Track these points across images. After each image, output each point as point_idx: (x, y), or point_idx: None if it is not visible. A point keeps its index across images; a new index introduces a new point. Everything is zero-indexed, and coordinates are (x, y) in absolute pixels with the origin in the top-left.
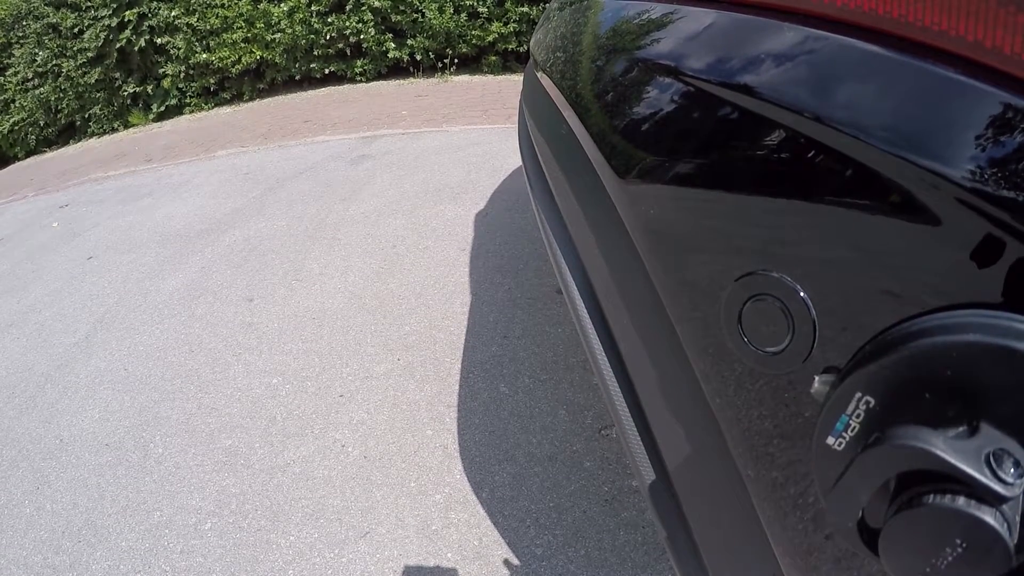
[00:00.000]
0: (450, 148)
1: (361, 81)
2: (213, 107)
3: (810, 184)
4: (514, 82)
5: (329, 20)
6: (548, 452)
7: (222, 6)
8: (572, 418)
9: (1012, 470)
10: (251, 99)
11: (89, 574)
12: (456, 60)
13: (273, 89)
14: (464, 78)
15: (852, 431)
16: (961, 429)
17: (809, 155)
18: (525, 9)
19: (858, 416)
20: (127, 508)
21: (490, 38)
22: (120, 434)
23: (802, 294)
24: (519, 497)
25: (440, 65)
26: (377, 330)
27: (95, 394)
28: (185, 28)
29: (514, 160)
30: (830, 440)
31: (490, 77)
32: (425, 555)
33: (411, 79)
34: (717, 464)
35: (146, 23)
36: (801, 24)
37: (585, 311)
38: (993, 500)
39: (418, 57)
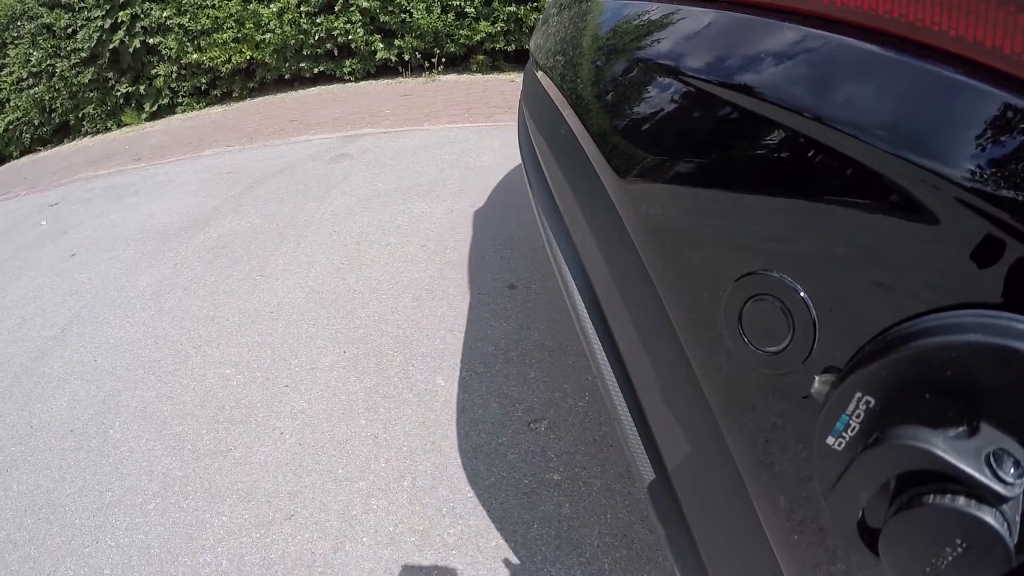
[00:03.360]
0: (427, 146)
1: (350, 81)
2: (205, 106)
3: (810, 184)
4: (501, 81)
5: (318, 21)
6: (474, 444)
7: (213, 7)
8: (503, 411)
9: (1012, 470)
10: (242, 98)
11: (45, 548)
12: (444, 60)
13: (263, 88)
14: (452, 77)
15: (852, 431)
16: (961, 429)
17: (809, 155)
18: (512, 8)
19: (858, 416)
20: (83, 489)
21: (478, 37)
22: (84, 420)
23: (802, 294)
24: (439, 487)
25: (427, 65)
26: (329, 324)
27: (66, 384)
28: (176, 29)
29: (487, 158)
30: (830, 440)
31: (478, 76)
32: (343, 538)
33: (399, 79)
34: (717, 463)
35: (139, 24)
36: (801, 24)
37: (585, 311)
38: (993, 500)
39: (406, 57)
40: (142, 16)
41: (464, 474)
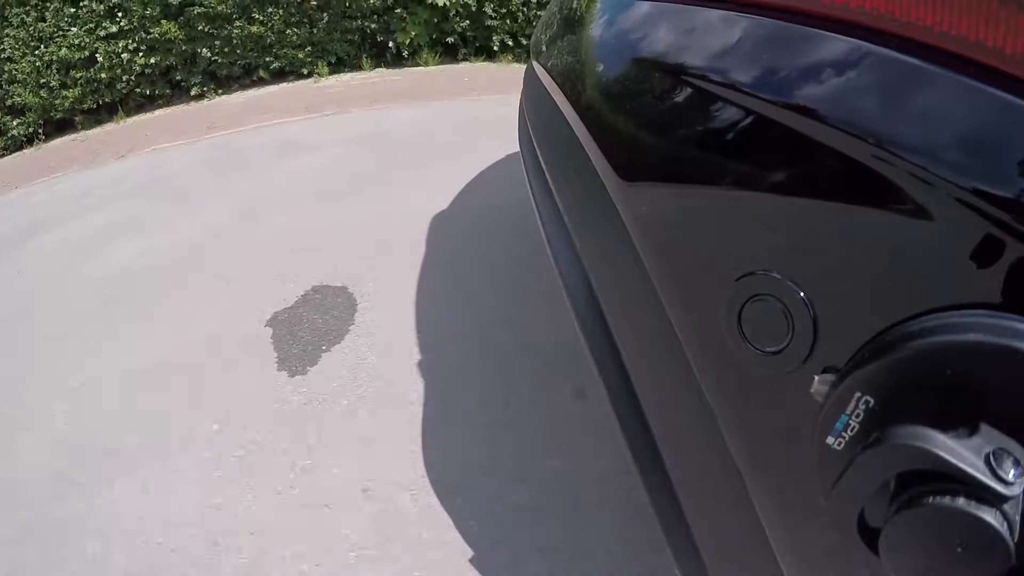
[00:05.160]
0: None
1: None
2: None
3: (810, 184)
4: (84, 139)
5: None
6: None
7: None
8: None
9: (1012, 470)
10: None
11: None
12: (46, 127)
13: None
14: (61, 140)
15: (852, 431)
16: (961, 429)
17: (810, 156)
18: (84, 74)
19: (858, 416)
20: None
21: (67, 104)
22: None
23: (802, 294)
24: None
25: (33, 134)
26: None
27: None
28: None
29: None
30: (830, 440)
31: (84, 132)
32: None
33: (23, 151)
34: (717, 463)
35: None
36: (802, 24)
37: (585, 311)
38: (993, 499)
39: (30, 131)
40: None
41: None
